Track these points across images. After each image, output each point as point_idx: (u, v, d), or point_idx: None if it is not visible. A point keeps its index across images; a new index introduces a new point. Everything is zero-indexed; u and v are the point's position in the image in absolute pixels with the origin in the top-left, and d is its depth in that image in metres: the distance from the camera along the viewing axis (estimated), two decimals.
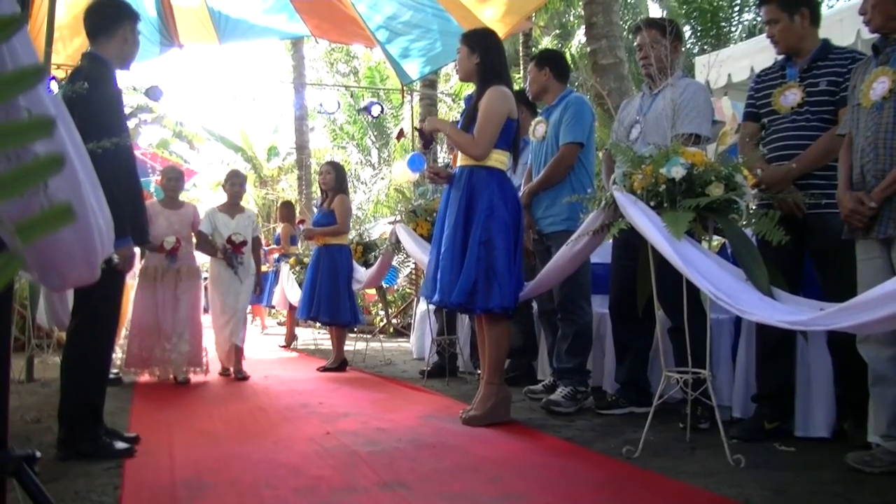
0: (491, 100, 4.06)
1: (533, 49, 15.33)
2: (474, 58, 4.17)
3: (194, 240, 6.39)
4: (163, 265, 5.98)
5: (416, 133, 4.83)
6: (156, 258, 5.98)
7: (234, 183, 6.67)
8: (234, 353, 6.38)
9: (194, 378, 6.12)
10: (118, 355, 5.57)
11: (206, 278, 7.48)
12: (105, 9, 3.60)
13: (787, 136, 3.65)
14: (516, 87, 4.53)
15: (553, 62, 4.96)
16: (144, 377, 6.05)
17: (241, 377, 6.26)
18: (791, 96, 3.66)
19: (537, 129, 4.90)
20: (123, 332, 6.45)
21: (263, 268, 8.59)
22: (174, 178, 6.31)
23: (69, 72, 3.66)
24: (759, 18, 14.63)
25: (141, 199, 3.66)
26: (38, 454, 1.67)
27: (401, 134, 11.42)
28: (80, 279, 1.46)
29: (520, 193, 4.53)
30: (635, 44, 4.34)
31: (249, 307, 8.48)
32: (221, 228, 6.39)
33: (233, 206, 6.62)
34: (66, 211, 0.49)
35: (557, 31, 18.87)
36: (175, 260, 5.97)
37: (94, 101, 3.17)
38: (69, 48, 7.13)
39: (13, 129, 0.51)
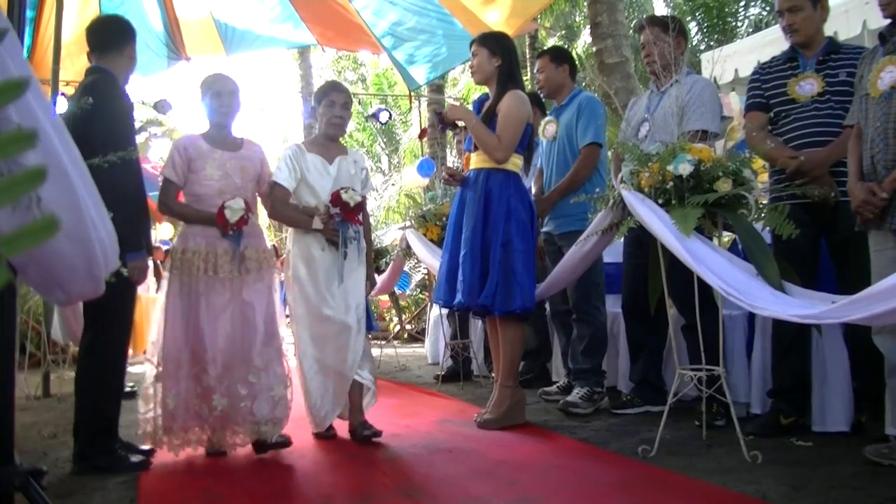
0: (512, 104, 4.05)
1: (539, 51, 15.33)
2: (495, 60, 4.16)
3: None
4: (216, 248, 3.58)
5: (437, 117, 4.59)
6: (201, 236, 3.60)
7: (334, 102, 3.93)
8: (351, 395, 3.89)
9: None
10: (145, 413, 3.54)
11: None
12: (114, 25, 3.65)
13: (813, 124, 3.63)
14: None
15: (570, 59, 4.97)
16: (186, 450, 3.55)
17: (369, 434, 3.79)
18: (808, 86, 3.65)
19: (547, 128, 4.89)
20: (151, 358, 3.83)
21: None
22: (227, 93, 3.75)
23: (77, 87, 3.68)
24: (764, 13, 14.63)
25: (147, 212, 3.67)
26: (45, 468, 1.68)
27: (423, 133, 11.41)
28: (85, 293, 1.46)
29: (531, 195, 4.54)
30: (639, 42, 4.34)
31: None
32: (313, 179, 3.87)
33: (329, 143, 4.02)
34: (50, 223, 0.49)
35: (563, 32, 18.86)
36: (240, 239, 3.60)
37: (107, 114, 3.20)
38: (77, 64, 7.15)
39: None
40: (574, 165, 4.67)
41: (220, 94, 3.73)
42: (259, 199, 3.96)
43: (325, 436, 3.93)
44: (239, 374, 3.52)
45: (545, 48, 5.88)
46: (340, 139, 4.14)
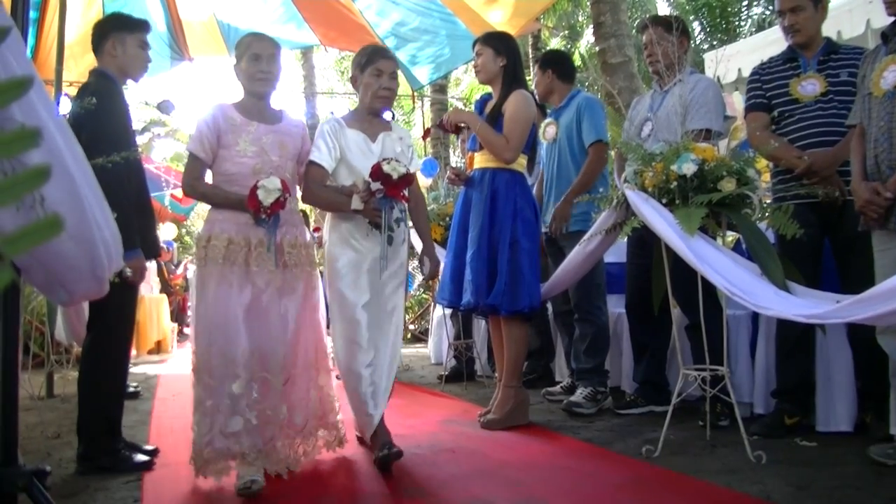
0: (519, 104, 4.05)
1: (542, 51, 15.36)
2: (500, 60, 4.15)
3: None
4: (248, 237, 3.08)
5: (438, 127, 4.37)
6: (231, 222, 3.10)
7: (382, 71, 3.46)
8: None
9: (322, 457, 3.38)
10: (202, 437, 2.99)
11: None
12: (97, 27, 3.63)
13: (818, 124, 3.63)
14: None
15: (556, 63, 4.95)
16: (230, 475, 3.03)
17: (387, 454, 3.17)
18: (810, 86, 3.65)
19: (547, 130, 4.88)
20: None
21: None
22: (267, 56, 3.23)
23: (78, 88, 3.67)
24: (767, 13, 14.61)
25: (151, 212, 3.67)
26: (49, 469, 1.68)
27: (426, 133, 11.42)
28: (88, 293, 1.46)
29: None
30: (642, 42, 4.34)
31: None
32: (355, 159, 3.38)
33: (372, 118, 3.55)
34: (54, 222, 0.49)
35: (566, 32, 18.86)
36: (276, 225, 3.06)
37: (100, 115, 3.18)
38: (80, 65, 7.16)
39: None
40: (585, 166, 4.65)
41: (259, 57, 3.20)
42: (299, 182, 3.45)
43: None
44: (263, 391, 3.03)
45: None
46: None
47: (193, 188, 3.22)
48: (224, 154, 3.15)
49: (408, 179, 3.21)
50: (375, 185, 3.17)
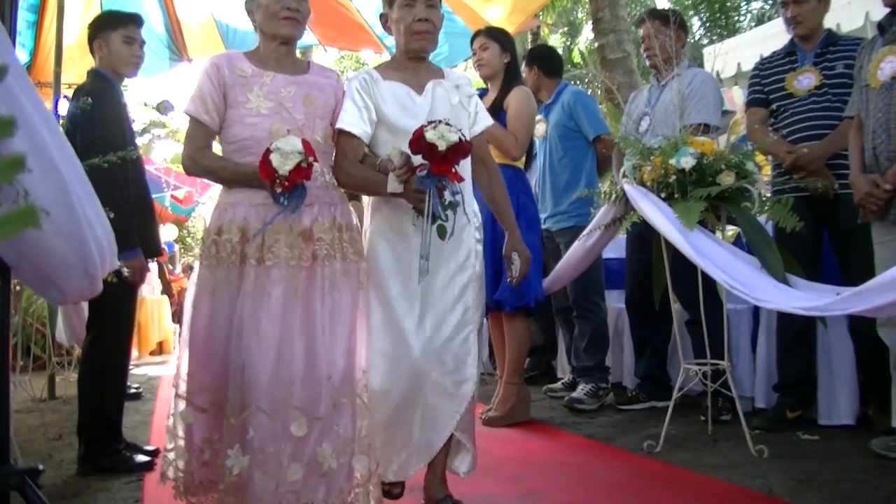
0: (522, 101, 4.06)
1: None
2: (505, 56, 4.16)
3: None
4: (263, 220, 2.27)
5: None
6: (245, 204, 2.32)
7: (413, 1, 2.49)
8: (436, 457, 2.59)
9: None
10: (169, 453, 2.38)
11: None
12: (88, 27, 3.62)
13: (811, 118, 3.63)
14: None
15: (540, 60, 4.91)
16: None
17: None
18: (805, 80, 3.65)
19: (538, 127, 4.86)
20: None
21: None
22: None
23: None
24: (766, 7, 14.59)
25: (152, 212, 3.66)
26: (41, 467, 1.67)
27: None
28: (81, 291, 1.45)
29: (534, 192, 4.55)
30: (640, 36, 4.33)
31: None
32: (394, 117, 2.50)
33: (415, 65, 2.60)
34: (30, 212, 0.48)
35: (565, 29, 18.85)
36: (299, 202, 2.20)
37: (94, 115, 3.18)
38: (80, 67, 7.14)
39: None
40: (614, 160, 4.63)
41: None
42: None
43: (390, 494, 2.56)
44: (279, 421, 2.18)
45: None
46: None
47: (195, 162, 2.42)
48: (232, 115, 2.37)
49: (462, 149, 2.23)
50: (418, 159, 2.29)
